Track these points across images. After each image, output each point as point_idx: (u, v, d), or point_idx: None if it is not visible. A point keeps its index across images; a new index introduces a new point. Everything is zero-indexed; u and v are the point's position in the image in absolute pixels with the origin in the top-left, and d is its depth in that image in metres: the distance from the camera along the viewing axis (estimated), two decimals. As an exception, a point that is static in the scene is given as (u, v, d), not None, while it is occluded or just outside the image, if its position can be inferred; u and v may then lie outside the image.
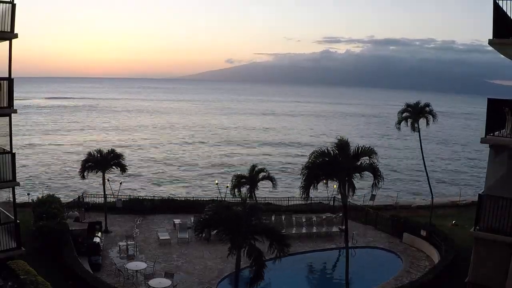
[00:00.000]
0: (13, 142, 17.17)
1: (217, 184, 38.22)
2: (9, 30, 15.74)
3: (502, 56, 17.27)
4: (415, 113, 31.34)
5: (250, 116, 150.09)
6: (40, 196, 30.49)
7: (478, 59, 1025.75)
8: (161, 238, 27.52)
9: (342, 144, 20.35)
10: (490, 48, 14.90)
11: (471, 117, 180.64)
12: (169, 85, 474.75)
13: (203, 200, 35.23)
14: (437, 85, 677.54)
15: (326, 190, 27.56)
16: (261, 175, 29.68)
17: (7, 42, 15.91)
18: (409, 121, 31.73)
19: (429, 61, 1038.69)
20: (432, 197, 33.71)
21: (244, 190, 29.27)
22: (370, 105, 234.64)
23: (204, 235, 17.27)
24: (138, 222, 31.14)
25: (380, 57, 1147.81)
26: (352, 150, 20.31)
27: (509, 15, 14.34)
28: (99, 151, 28.79)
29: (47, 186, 50.21)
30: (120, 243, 26.09)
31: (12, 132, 17.12)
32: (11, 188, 16.93)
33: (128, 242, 25.90)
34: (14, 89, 16.21)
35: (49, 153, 71.62)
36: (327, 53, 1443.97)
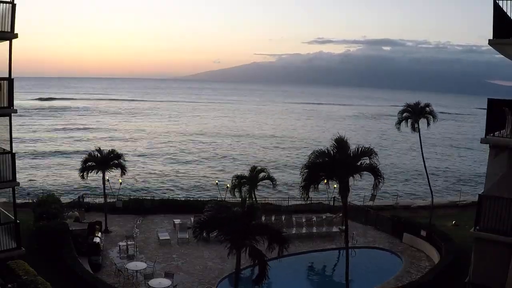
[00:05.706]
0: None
1: (217, 184, 38.25)
2: (9, 30, 15.78)
3: (501, 55, 17.27)
4: (415, 113, 31.25)
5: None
6: (40, 196, 30.49)
7: (476, 59, 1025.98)
8: (161, 238, 27.52)
9: (342, 144, 20.32)
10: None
11: (471, 117, 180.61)
12: (173, 84, 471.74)
13: (203, 200, 35.25)
14: (435, 85, 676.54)
15: (326, 191, 27.58)
16: (261, 175, 29.65)
17: (7, 42, 15.93)
18: (409, 121, 31.66)
19: (425, 61, 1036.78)
20: (432, 197, 33.67)
21: (244, 190, 29.24)
22: (369, 105, 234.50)
23: (203, 235, 17.21)
24: (138, 222, 31.14)
25: (375, 57, 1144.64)
26: (352, 150, 20.28)
27: (509, 15, 14.35)
28: (99, 151, 28.66)
29: (47, 184, 50.21)
30: (120, 243, 26.08)
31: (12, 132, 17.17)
32: (11, 188, 16.97)
33: (128, 242, 25.89)
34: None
35: (49, 152, 71.57)
36: (320, 54, 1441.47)
